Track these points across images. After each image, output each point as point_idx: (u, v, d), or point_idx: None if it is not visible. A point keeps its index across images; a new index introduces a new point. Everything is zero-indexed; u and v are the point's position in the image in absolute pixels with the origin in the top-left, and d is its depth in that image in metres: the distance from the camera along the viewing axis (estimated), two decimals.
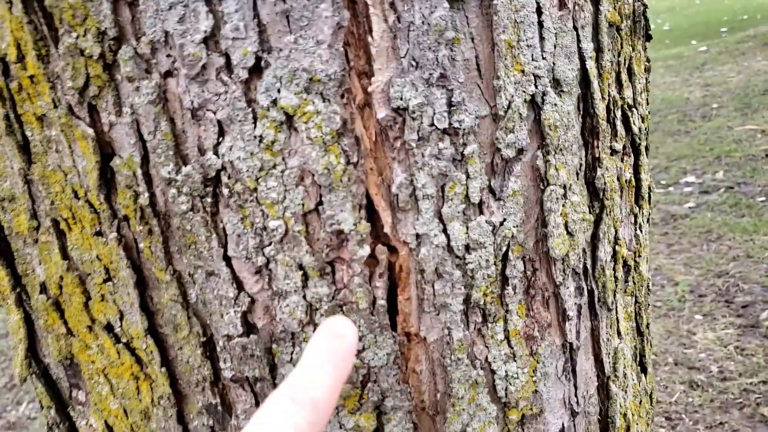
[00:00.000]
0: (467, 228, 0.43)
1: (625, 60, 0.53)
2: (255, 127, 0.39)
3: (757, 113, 4.36)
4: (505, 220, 0.45)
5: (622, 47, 0.52)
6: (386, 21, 0.39)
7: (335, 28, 0.38)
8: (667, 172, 3.87)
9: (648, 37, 0.61)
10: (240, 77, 0.39)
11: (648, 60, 0.62)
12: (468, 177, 0.43)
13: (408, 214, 0.42)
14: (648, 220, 0.64)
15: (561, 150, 0.46)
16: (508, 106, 0.42)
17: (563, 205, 0.47)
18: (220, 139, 0.40)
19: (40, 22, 0.41)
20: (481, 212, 0.44)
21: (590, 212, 0.50)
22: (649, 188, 0.61)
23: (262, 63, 0.38)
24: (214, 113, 0.40)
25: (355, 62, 0.40)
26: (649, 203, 0.62)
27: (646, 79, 0.61)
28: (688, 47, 7.04)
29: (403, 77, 0.40)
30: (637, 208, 0.58)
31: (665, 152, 4.14)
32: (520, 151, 0.44)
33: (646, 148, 0.60)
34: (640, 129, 0.56)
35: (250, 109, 0.39)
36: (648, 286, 0.63)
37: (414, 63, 0.40)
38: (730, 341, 2.34)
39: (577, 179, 0.48)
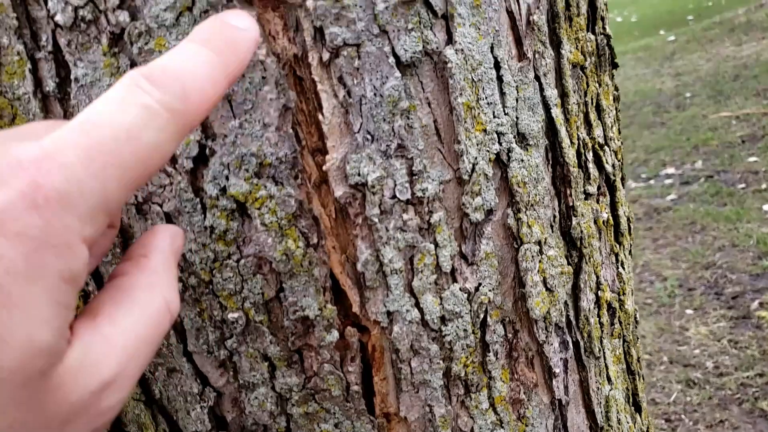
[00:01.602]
0: (441, 299, 0.41)
1: (592, 99, 0.51)
2: (205, 217, 0.37)
3: (730, 99, 4.40)
4: (480, 284, 0.42)
5: (588, 86, 0.50)
6: (336, 96, 0.36)
7: (281, 110, 0.35)
8: (646, 165, 3.89)
9: (614, 66, 0.59)
10: (185, 167, 0.36)
11: (617, 89, 0.60)
12: (437, 246, 0.40)
13: (377, 292, 0.40)
14: (630, 252, 0.62)
15: (532, 205, 0.44)
16: (473, 170, 0.40)
17: (540, 262, 0.45)
18: None
19: None
20: (455, 280, 0.42)
21: (569, 263, 0.48)
22: (629, 220, 0.59)
23: (207, 151, 0.36)
24: (161, 206, 0.37)
25: (307, 140, 0.37)
26: (630, 235, 0.60)
27: (617, 108, 0.59)
28: (656, 38, 7.11)
29: (358, 152, 0.37)
30: (618, 246, 0.56)
31: (643, 145, 4.15)
32: (490, 212, 0.42)
33: (623, 180, 0.58)
34: (614, 165, 0.54)
35: (198, 200, 0.37)
36: (636, 319, 0.61)
37: (369, 136, 0.37)
38: (723, 335, 2.34)
39: (552, 231, 0.46)
